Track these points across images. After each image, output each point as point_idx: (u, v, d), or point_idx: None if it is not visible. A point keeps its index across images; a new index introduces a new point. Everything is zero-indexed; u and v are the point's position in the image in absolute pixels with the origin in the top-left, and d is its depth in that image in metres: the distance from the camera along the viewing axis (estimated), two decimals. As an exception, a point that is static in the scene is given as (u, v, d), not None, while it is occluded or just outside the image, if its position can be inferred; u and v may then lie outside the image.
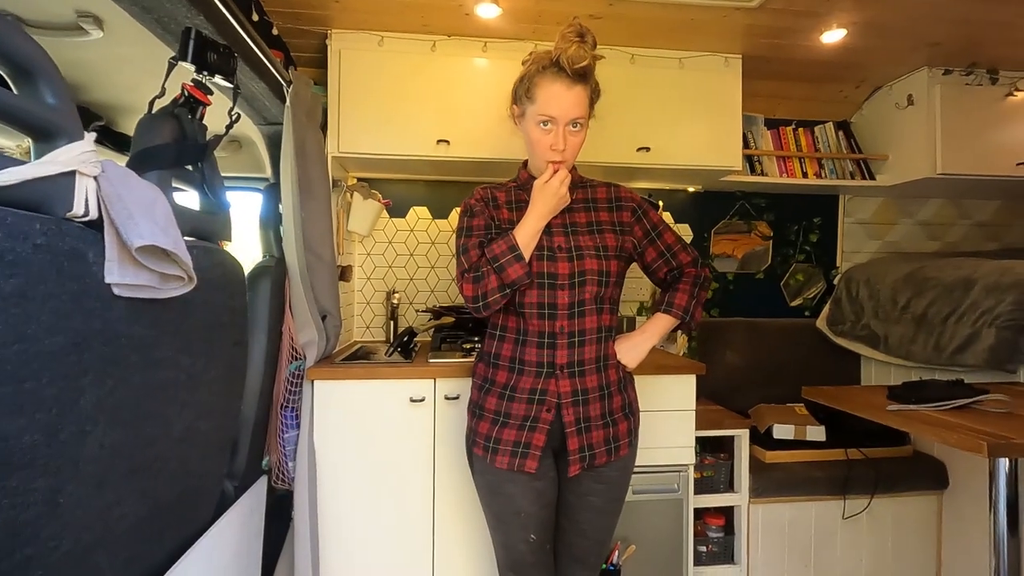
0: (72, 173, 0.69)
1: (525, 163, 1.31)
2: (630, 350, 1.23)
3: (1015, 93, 2.10)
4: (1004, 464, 1.26)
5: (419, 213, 2.25)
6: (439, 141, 1.83)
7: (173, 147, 0.97)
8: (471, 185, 2.25)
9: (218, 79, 1.06)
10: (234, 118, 1.13)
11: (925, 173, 2.10)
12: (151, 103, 0.99)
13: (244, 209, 2.11)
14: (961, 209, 2.60)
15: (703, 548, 1.88)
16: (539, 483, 1.20)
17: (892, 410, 1.32)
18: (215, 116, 1.16)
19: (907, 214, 2.56)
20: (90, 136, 0.72)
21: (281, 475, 1.60)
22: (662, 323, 1.25)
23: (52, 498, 0.69)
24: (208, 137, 1.07)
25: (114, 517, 0.85)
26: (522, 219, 1.16)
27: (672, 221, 2.42)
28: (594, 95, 1.19)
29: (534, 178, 1.22)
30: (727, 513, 1.93)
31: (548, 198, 1.13)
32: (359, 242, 2.20)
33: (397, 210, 2.23)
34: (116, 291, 0.76)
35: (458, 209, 2.27)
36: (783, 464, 1.95)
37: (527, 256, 1.14)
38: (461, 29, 1.84)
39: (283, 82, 1.49)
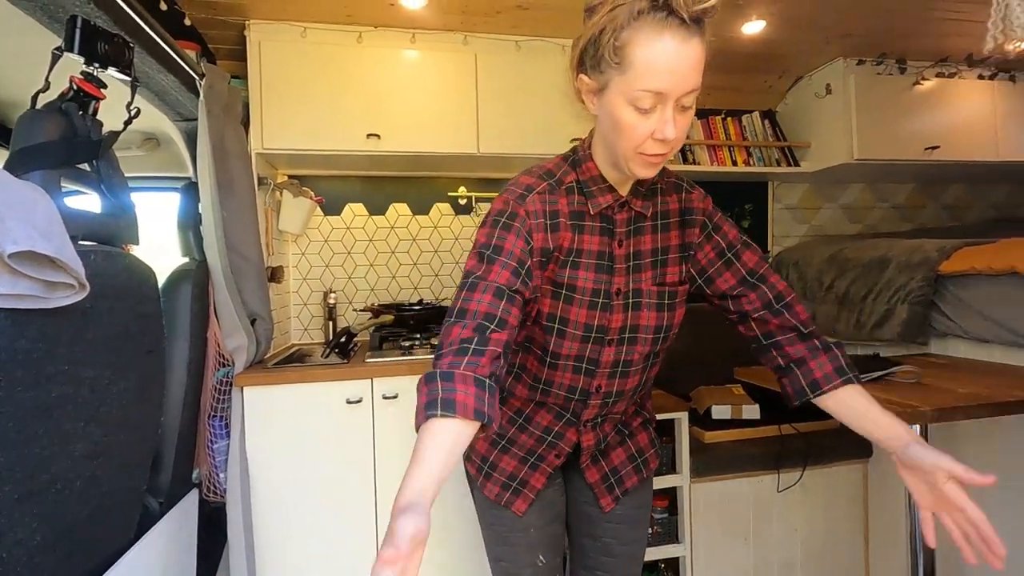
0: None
1: (585, 147, 0.88)
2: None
3: (921, 82, 2.23)
4: (916, 430, 1.34)
5: (355, 210, 2.19)
6: (369, 135, 1.79)
7: (60, 145, 0.90)
8: (407, 180, 2.23)
9: (112, 72, 0.99)
10: (133, 113, 1.06)
11: (843, 159, 2.20)
12: (34, 98, 0.92)
13: (167, 211, 2.00)
14: (878, 193, 2.75)
15: (648, 530, 1.92)
16: (548, 491, 1.02)
17: (813, 386, 1.38)
18: (118, 112, 1.09)
19: (830, 199, 2.69)
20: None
21: (213, 487, 1.53)
22: (873, 403, 0.84)
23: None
24: (105, 133, 1.00)
25: (7, 545, 0.78)
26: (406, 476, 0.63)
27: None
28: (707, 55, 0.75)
29: (602, 177, 0.86)
30: (670, 494, 1.98)
31: None
32: (292, 241, 2.13)
33: (331, 207, 2.17)
34: (-7, 302, 0.70)
35: (398, 206, 2.24)
36: (722, 443, 2.01)
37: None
38: (387, 20, 1.80)
39: (195, 76, 1.41)
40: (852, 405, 0.83)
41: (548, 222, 0.84)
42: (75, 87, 0.94)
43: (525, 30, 1.89)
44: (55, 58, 0.92)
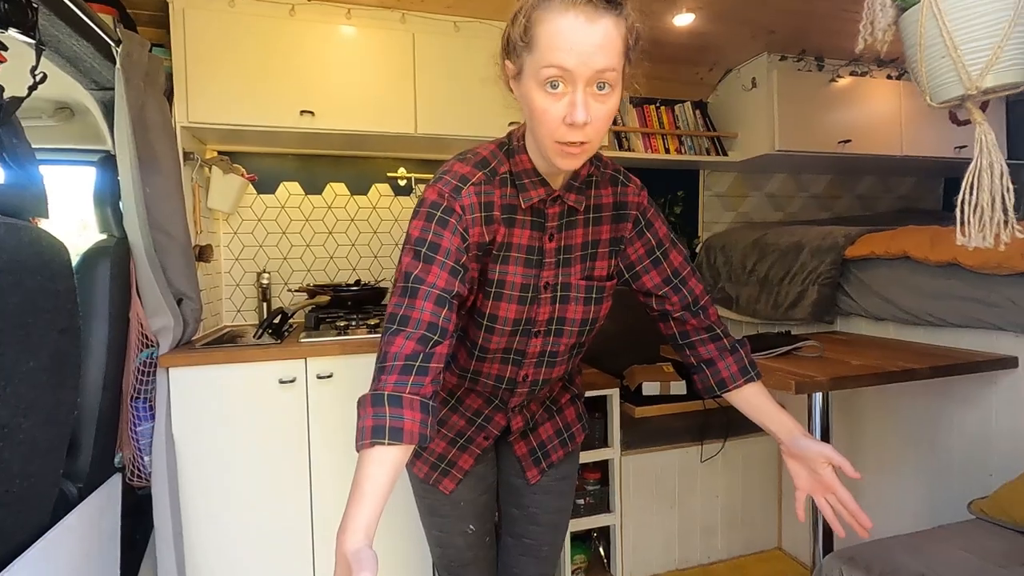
0: None
1: (518, 137, 0.87)
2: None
3: (837, 79, 2.39)
4: (818, 398, 1.46)
5: (290, 189, 2.14)
6: (303, 112, 1.75)
7: (-44, 109, 0.84)
8: (345, 160, 2.20)
9: (14, 32, 0.94)
10: (38, 79, 1.01)
11: (766, 149, 2.34)
12: (-79, 58, 0.86)
13: (86, 184, 1.89)
14: (799, 183, 2.93)
15: (581, 501, 2.01)
16: (477, 467, 1.05)
17: (728, 360, 1.49)
18: (24, 77, 1.03)
19: (756, 187, 2.85)
20: None
21: (137, 471, 1.49)
22: (773, 404, 0.92)
23: None
24: (6, 99, 0.95)
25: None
26: (348, 508, 0.67)
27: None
28: (632, 38, 0.75)
29: (535, 170, 0.85)
30: (602, 467, 2.08)
31: None
32: (224, 220, 2.06)
33: (265, 186, 2.11)
34: None
35: (335, 185, 2.20)
36: (651, 418, 2.12)
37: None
38: (322, -7, 1.76)
39: (111, 42, 1.34)
40: (752, 402, 0.93)
41: (483, 215, 0.83)
42: (-30, 49, 0.89)
43: (463, 11, 1.89)
44: (-54, 17, 0.86)
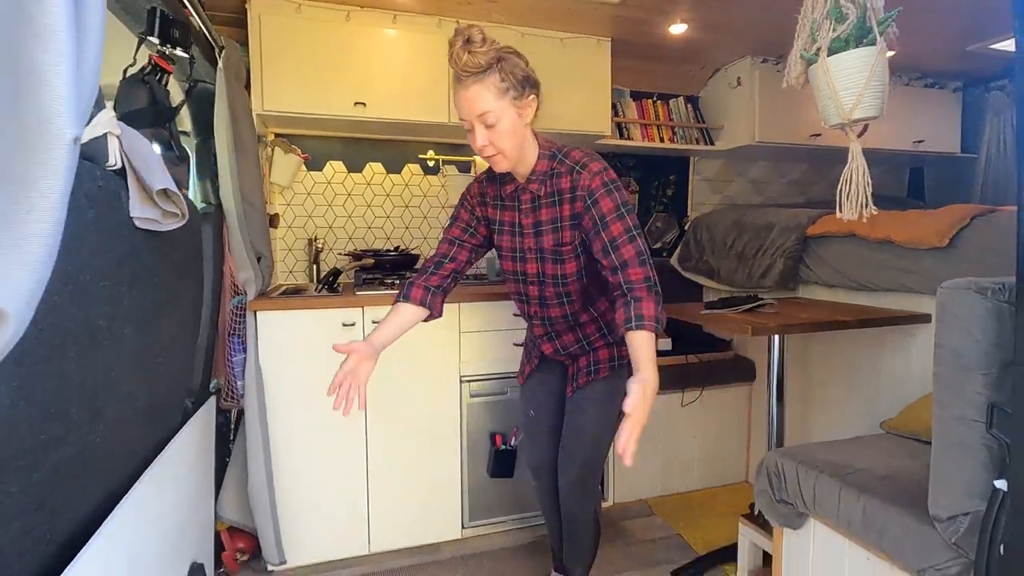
0: (106, 133, 0.93)
1: None
2: (646, 404, 1.05)
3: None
4: (775, 342, 1.84)
5: (335, 167, 2.48)
6: (356, 103, 2.08)
7: (150, 110, 1.18)
8: (382, 143, 2.53)
9: (178, 51, 1.27)
10: (192, 84, 1.34)
11: (747, 140, 2.68)
12: (124, 72, 1.19)
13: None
14: (779, 170, 3.28)
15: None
16: (538, 372, 1.59)
17: (703, 313, 1.86)
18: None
19: (740, 173, 3.20)
20: (109, 104, 0.96)
21: (230, 393, 1.86)
22: (648, 343, 1.12)
23: (112, 366, 0.96)
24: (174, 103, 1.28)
25: (135, 398, 1.11)
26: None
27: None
28: (506, 82, 1.19)
29: (508, 172, 1.32)
30: (599, 409, 2.46)
31: None
32: (279, 193, 2.40)
33: (315, 164, 2.44)
34: (136, 223, 1.01)
35: (374, 165, 2.54)
36: (641, 369, 2.50)
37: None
38: (373, 1, 2.07)
39: (215, 46, 1.66)
40: (629, 343, 1.15)
41: (480, 200, 1.44)
42: (153, 63, 1.21)
43: (490, 19, 2.21)
44: (140, 41, 1.19)
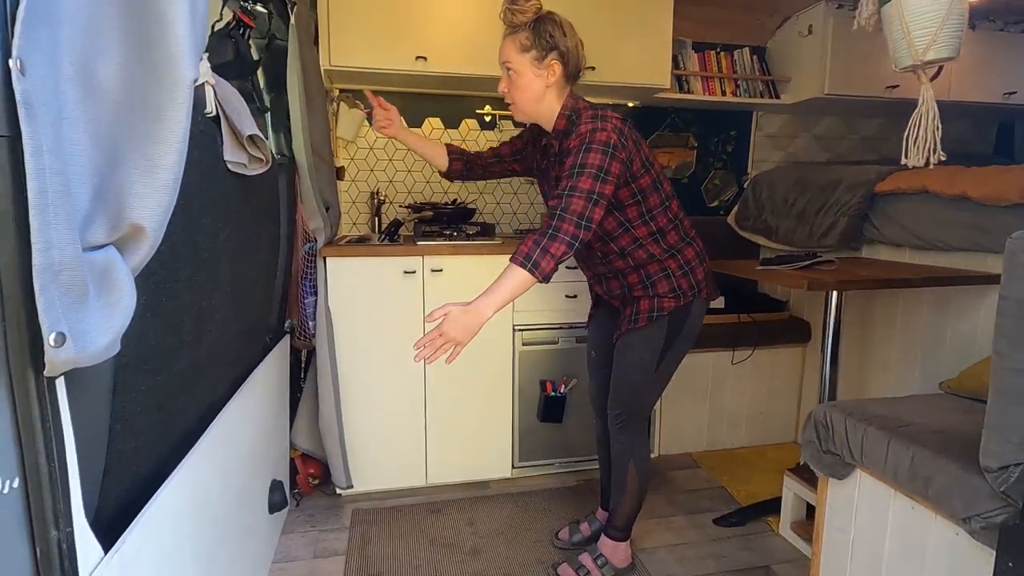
0: (204, 83, 1.03)
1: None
2: (455, 321, 1.20)
3: (891, 26, 2.55)
4: (833, 297, 1.82)
5: (395, 122, 2.55)
6: (417, 58, 2.13)
7: (236, 63, 1.27)
8: (442, 97, 2.58)
9: (259, 6, 1.35)
10: (269, 40, 1.43)
11: (816, 92, 2.56)
12: (212, 26, 1.28)
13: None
14: (850, 125, 3.12)
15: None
16: (597, 313, 1.76)
17: (759, 268, 1.85)
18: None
19: (806, 128, 3.06)
20: (205, 56, 1.05)
21: (303, 333, 2.02)
22: (506, 278, 1.25)
23: (212, 293, 1.09)
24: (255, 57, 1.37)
25: (228, 325, 1.25)
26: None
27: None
28: (531, 42, 1.37)
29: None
30: (647, 363, 2.51)
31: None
32: (344, 147, 2.51)
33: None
34: (229, 167, 1.12)
35: (432, 120, 2.60)
36: (691, 326, 2.51)
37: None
38: (434, -46, 2.08)
39: (288, 3, 1.74)
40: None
41: (535, 138, 1.64)
42: (237, 18, 1.30)
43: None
44: (225, -3, 1.28)
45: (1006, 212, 1.70)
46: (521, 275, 1.24)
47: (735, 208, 2.88)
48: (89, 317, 0.57)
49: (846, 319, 1.86)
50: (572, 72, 1.45)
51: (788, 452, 2.55)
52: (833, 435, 1.43)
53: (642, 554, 1.81)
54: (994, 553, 1.06)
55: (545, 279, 1.26)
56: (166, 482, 0.91)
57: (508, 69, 1.42)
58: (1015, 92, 2.75)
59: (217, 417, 1.19)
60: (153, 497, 0.86)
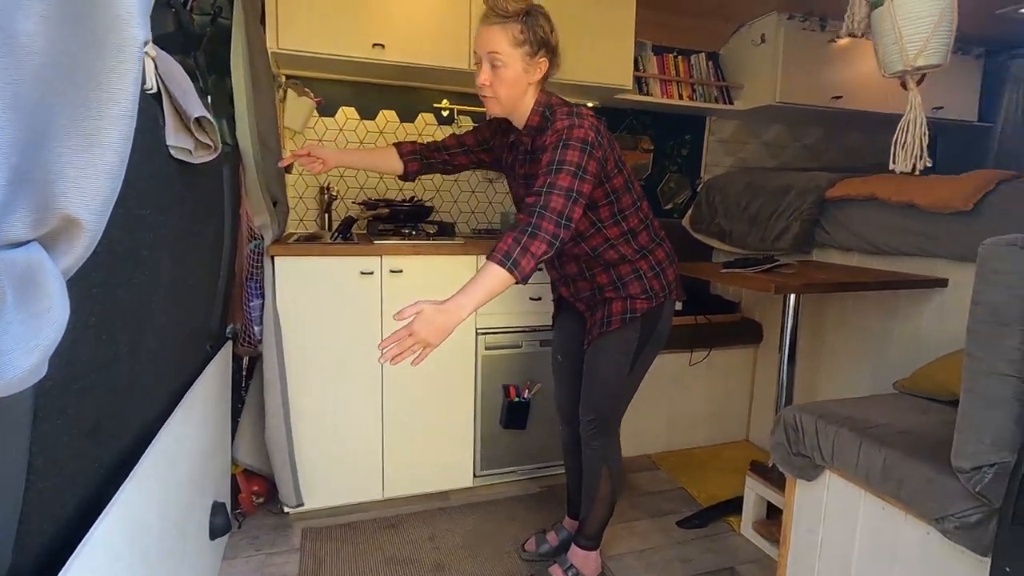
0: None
1: None
2: (428, 321, 1.09)
3: (836, 40, 2.66)
4: (791, 300, 1.85)
5: (347, 113, 2.41)
6: (375, 45, 2.00)
7: (178, 35, 1.12)
8: (399, 89, 2.45)
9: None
10: (215, 14, 1.28)
11: (768, 100, 2.64)
12: (148, -8, 1.12)
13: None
14: (794, 133, 3.24)
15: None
16: (560, 317, 1.71)
17: (724, 272, 1.86)
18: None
19: (756, 135, 3.16)
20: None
21: (247, 338, 1.85)
22: (483, 277, 1.14)
23: (151, 295, 0.95)
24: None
25: (167, 332, 1.10)
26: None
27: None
28: (525, 35, 1.28)
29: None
30: (608, 366, 2.49)
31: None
32: (291, 138, 2.34)
33: (326, 109, 2.37)
34: (171, 152, 0.98)
35: (387, 112, 2.47)
36: (650, 328, 2.52)
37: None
38: (393, -65, 1.97)
39: (232, -25, 1.58)
40: None
41: (502, 132, 1.54)
42: (178, -14, 1.15)
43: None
44: (165, -40, 1.12)
45: (951, 220, 1.78)
46: (500, 274, 1.14)
47: (690, 211, 2.92)
48: (7, 333, 0.45)
49: (799, 321, 1.90)
50: (554, 70, 1.39)
51: (742, 450, 2.61)
52: (803, 437, 1.45)
53: (610, 561, 1.78)
54: (966, 552, 1.09)
55: (524, 279, 1.17)
56: (97, 521, 0.77)
57: (495, 61, 1.29)
58: (942, 107, 2.95)
59: (155, 438, 1.05)
60: (83, 541, 0.72)
